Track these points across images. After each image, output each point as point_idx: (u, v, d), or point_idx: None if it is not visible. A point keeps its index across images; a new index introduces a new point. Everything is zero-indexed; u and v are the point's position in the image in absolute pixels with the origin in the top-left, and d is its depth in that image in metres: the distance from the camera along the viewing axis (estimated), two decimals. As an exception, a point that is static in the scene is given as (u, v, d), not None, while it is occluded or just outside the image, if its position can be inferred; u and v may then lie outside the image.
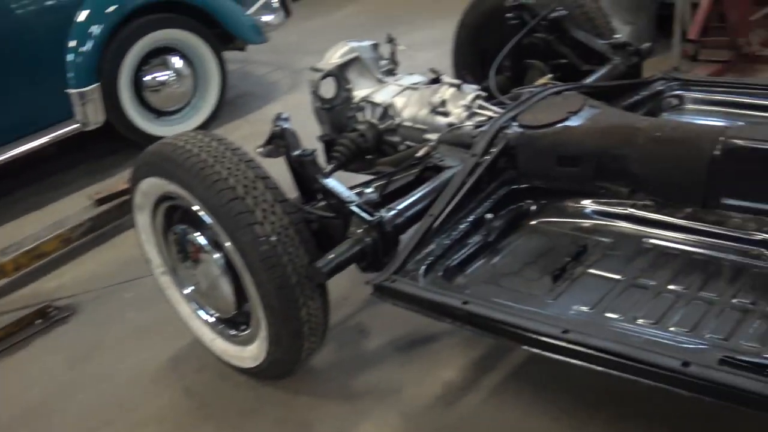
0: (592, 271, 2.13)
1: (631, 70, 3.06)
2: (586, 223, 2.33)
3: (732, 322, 1.82)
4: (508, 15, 3.23)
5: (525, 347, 1.85)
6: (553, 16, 3.14)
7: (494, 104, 2.83)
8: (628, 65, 3.06)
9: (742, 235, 2.07)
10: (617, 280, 2.07)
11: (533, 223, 2.40)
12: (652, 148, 2.28)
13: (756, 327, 1.79)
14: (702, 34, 4.22)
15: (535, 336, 1.81)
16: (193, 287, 2.65)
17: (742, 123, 2.66)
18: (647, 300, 1.97)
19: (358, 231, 2.18)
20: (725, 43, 4.31)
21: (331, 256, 2.13)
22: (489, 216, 2.32)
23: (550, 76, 3.03)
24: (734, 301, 1.90)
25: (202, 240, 2.43)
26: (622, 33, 3.46)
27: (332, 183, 2.30)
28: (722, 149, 2.13)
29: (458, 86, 2.86)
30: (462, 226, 2.30)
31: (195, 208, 2.35)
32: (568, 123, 2.44)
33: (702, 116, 2.81)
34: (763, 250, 2.02)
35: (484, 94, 2.88)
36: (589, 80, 2.95)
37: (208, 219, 2.30)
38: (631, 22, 4.48)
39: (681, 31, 4.31)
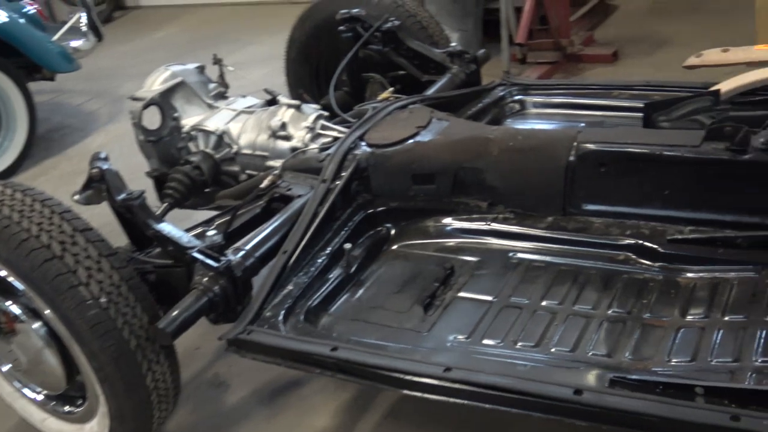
0: (462, 294, 2.00)
1: (470, 77, 3.01)
2: (450, 242, 2.21)
3: (612, 336, 1.75)
4: (341, 28, 3.08)
5: (405, 392, 1.68)
6: (387, 27, 3.04)
7: (337, 123, 2.67)
8: (467, 73, 3.00)
9: (606, 241, 2.02)
10: (490, 301, 1.95)
11: (395, 248, 2.24)
12: (506, 159, 2.20)
13: (636, 338, 1.73)
14: (528, 37, 4.31)
15: (415, 379, 1.65)
16: (11, 364, 2.26)
17: (584, 124, 2.67)
18: (524, 321, 1.86)
19: (204, 280, 1.92)
20: (550, 45, 4.43)
21: (175, 312, 1.85)
22: (347, 246, 2.14)
23: (391, 89, 2.91)
24: (610, 312, 1.83)
25: (15, 309, 2.06)
26: (451, 40, 3.43)
27: (167, 228, 2.02)
28: (577, 154, 2.09)
29: (297, 107, 2.66)
30: (320, 260, 2.11)
31: (2, 273, 1.98)
32: (418, 138, 2.32)
33: (545, 120, 2.80)
34: (629, 254, 1.98)
35: (325, 113, 2.70)
36: (430, 91, 2.86)
37: (19, 285, 1.94)
38: (459, 29, 4.49)
39: (508, 36, 4.37)
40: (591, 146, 2.08)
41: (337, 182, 2.24)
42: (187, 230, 2.18)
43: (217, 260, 1.93)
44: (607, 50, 4.48)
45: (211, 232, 2.03)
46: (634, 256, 1.97)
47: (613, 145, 2.05)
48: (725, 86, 2.42)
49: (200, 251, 1.95)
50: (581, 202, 2.11)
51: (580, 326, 1.80)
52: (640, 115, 2.45)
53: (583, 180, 2.09)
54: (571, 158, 2.09)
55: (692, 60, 2.60)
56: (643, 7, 5.19)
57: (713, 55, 2.55)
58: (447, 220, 2.25)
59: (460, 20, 4.62)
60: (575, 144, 2.09)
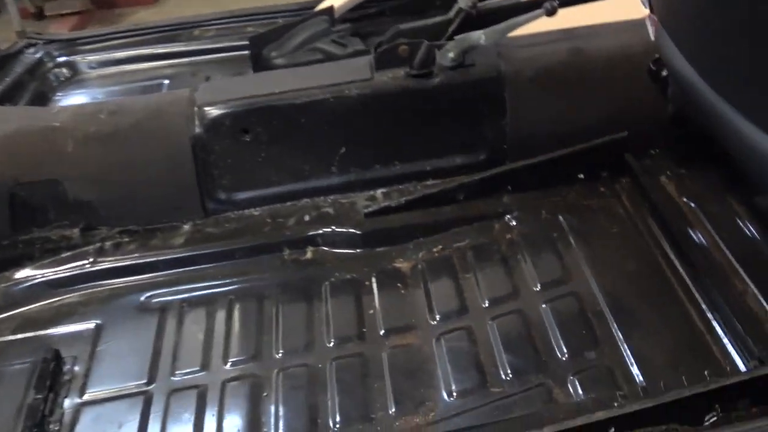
0: (91, 395, 1.18)
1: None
2: (36, 308, 1.33)
3: (356, 386, 1.12)
4: None
5: None
6: None
7: None
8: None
9: (280, 239, 1.38)
10: (143, 391, 1.17)
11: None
12: (92, 154, 1.39)
13: (391, 383, 1.13)
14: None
15: None
16: None
17: (168, 81, 1.96)
18: (213, 403, 1.14)
19: None
20: (75, -9, 3.49)
21: None
22: None
23: None
24: (332, 345, 1.20)
25: None
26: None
27: None
28: (203, 123, 1.38)
29: None
30: None
31: None
32: None
33: (114, 84, 1.99)
34: (319, 248, 1.36)
35: None
36: None
37: None
38: None
39: (10, -16, 3.30)
40: (220, 109, 1.38)
41: None
42: None
43: None
44: (143, -11, 3.72)
45: None
46: (328, 249, 1.37)
47: (253, 100, 1.39)
48: (337, 2, 1.93)
49: None
50: (228, 191, 1.42)
51: (305, 390, 1.14)
52: (243, 53, 1.86)
53: (222, 159, 1.40)
54: (197, 130, 1.38)
55: (285, -26, 2.04)
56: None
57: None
58: (20, 275, 1.37)
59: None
60: (196, 109, 1.38)
